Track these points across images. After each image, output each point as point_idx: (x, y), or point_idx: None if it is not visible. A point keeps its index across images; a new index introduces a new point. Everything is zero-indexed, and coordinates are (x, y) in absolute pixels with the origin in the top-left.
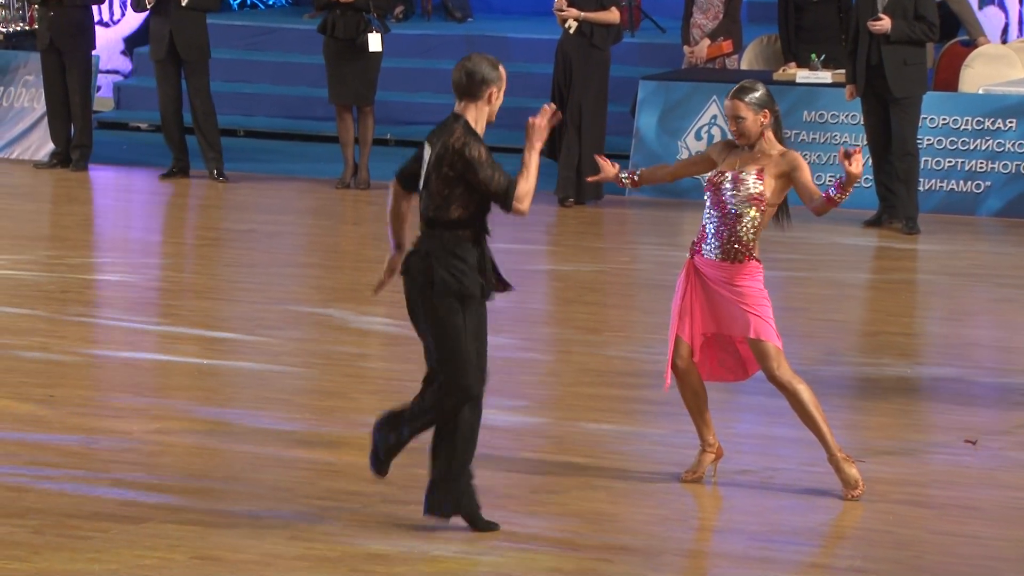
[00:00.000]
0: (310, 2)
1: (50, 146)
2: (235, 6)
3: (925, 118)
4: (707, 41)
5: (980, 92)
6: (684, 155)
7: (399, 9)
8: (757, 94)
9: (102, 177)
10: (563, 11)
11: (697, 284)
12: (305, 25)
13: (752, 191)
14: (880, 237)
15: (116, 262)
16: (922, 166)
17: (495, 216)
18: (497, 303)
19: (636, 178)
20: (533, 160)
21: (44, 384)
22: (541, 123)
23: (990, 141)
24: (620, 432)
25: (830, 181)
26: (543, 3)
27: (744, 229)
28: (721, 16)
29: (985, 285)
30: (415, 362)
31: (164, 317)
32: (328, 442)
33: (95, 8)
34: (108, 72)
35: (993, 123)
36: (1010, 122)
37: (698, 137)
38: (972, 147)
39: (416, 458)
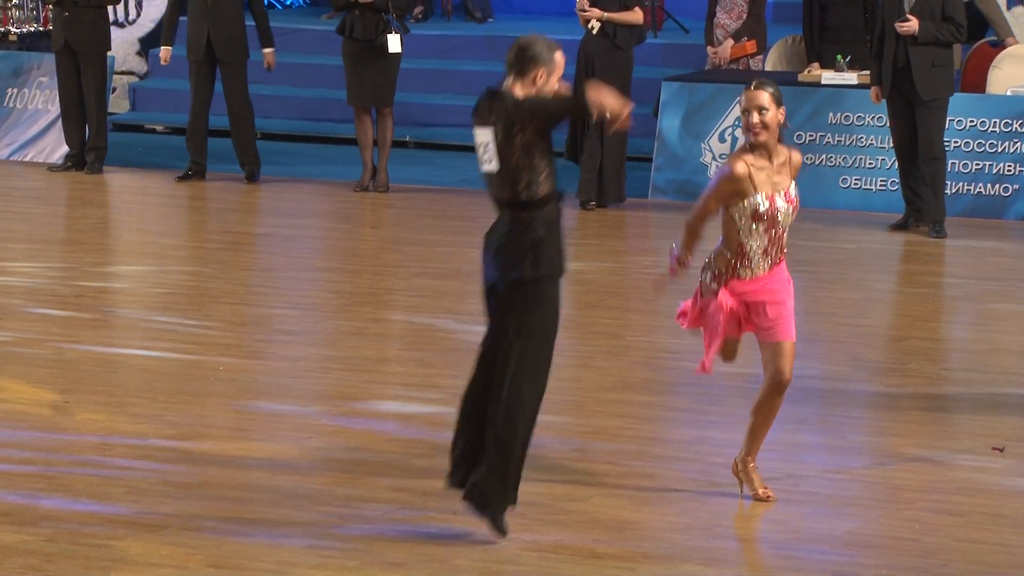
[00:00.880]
0: (328, 3)
1: (64, 148)
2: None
3: (952, 120)
4: (731, 41)
5: (1008, 94)
6: (707, 157)
7: (418, 9)
8: (776, 89)
9: (117, 180)
10: (586, 11)
11: (737, 306)
12: (323, 26)
13: (797, 203)
14: (907, 241)
15: (131, 265)
16: (949, 169)
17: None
18: None
19: (685, 260)
20: (583, 100)
21: (59, 389)
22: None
23: (1018, 144)
24: (643, 439)
25: (856, 184)
26: (565, 3)
27: (787, 236)
28: (745, 16)
29: (1013, 290)
30: (435, 366)
31: (180, 321)
32: (347, 448)
33: (110, 8)
34: (123, 73)
35: (1021, 125)
36: None
37: (722, 139)
38: (1000, 150)
39: (438, 463)
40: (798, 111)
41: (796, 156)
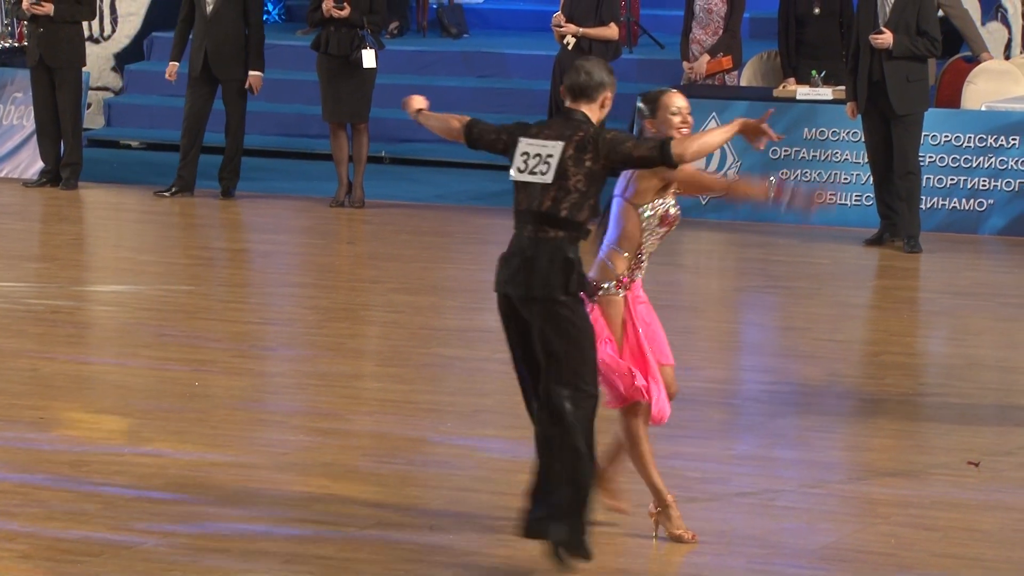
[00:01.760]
0: (303, 18)
1: (39, 164)
2: None
3: (927, 135)
4: (706, 57)
5: (983, 109)
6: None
7: (394, 25)
8: None
9: (92, 195)
10: (561, 27)
11: (638, 314)
12: (299, 42)
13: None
14: (882, 256)
15: (107, 282)
16: (924, 184)
17: (487, 234)
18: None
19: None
20: (719, 134)
21: (34, 406)
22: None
23: (993, 159)
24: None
25: (830, 199)
26: (540, 19)
27: None
28: (721, 32)
29: (988, 304)
30: (410, 382)
31: (156, 337)
32: (323, 464)
33: (85, 25)
34: (98, 89)
35: (996, 140)
36: (1013, 139)
37: None
38: (975, 165)
39: (413, 478)
40: (773, 126)
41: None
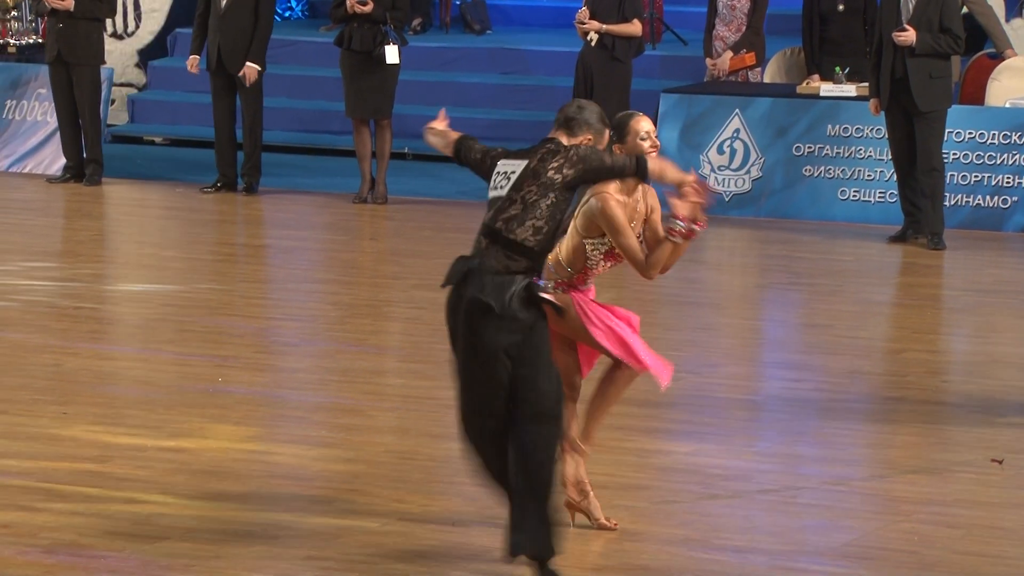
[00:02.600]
0: (326, 15)
1: (63, 160)
2: None
3: (951, 132)
4: (730, 53)
5: (1007, 105)
6: (705, 168)
7: (417, 21)
8: None
9: (116, 191)
10: (585, 24)
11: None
12: (322, 38)
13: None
14: (905, 253)
15: (130, 277)
16: (948, 181)
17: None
18: None
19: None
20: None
21: (57, 401)
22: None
23: (1017, 155)
24: (641, 451)
25: (854, 196)
26: (563, 15)
27: None
28: (744, 28)
29: (1011, 302)
30: (433, 378)
31: (178, 333)
32: (345, 460)
33: (109, 21)
34: (122, 85)
35: (1020, 137)
36: None
37: (720, 151)
38: (999, 161)
39: (435, 474)
40: (796, 123)
41: (652, 197)
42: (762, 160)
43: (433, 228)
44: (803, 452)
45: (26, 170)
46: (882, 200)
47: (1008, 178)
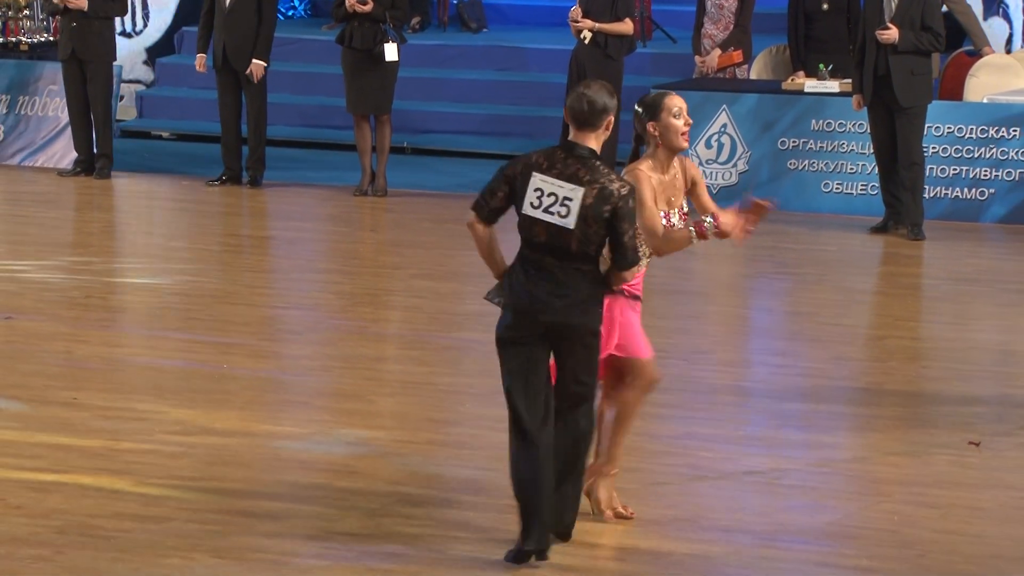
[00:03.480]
0: (328, 13)
1: (74, 154)
2: None
3: (931, 127)
4: (718, 51)
5: (985, 101)
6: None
7: (416, 20)
8: None
9: (125, 184)
10: (578, 22)
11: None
12: (324, 36)
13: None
14: (887, 243)
15: (139, 268)
16: (927, 174)
17: (507, 222)
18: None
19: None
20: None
21: (68, 387)
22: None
23: (994, 149)
24: (632, 434)
25: (837, 189)
26: (557, 14)
27: None
28: (732, 27)
29: (989, 290)
30: (431, 364)
31: (185, 321)
32: (346, 443)
33: (118, 19)
34: (131, 81)
35: (997, 132)
36: (1014, 130)
37: (708, 145)
38: (976, 155)
39: (434, 458)
40: (782, 118)
41: (692, 168)
42: (748, 154)
43: (432, 220)
44: (788, 435)
45: (38, 164)
46: (864, 192)
47: (986, 171)
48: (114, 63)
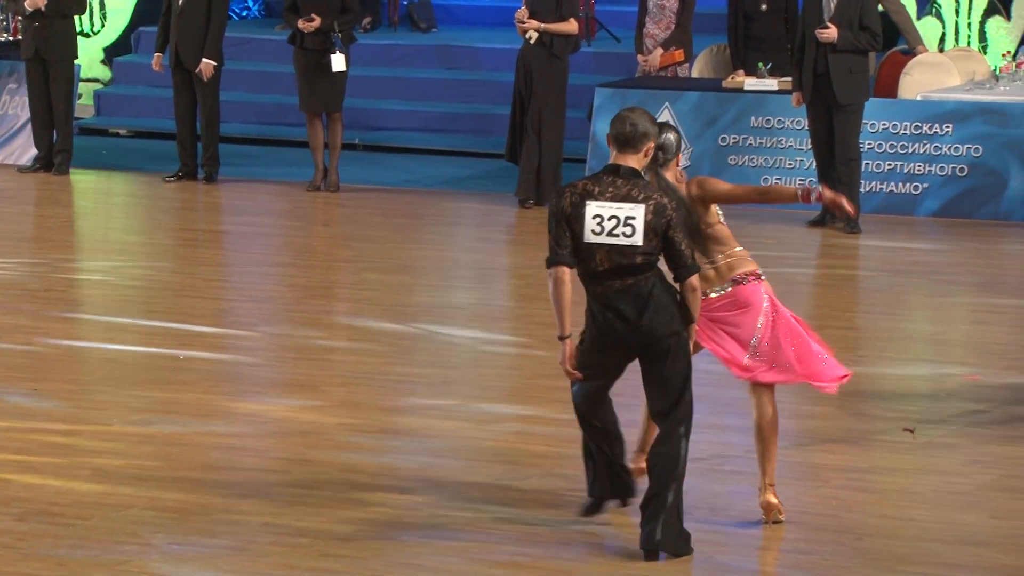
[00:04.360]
0: (282, 14)
1: (33, 151)
2: None
3: (866, 123)
4: (660, 50)
5: (918, 99)
6: None
7: (367, 20)
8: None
9: (83, 181)
10: (524, 23)
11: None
12: (277, 36)
13: None
14: (824, 236)
15: (97, 261)
16: (863, 169)
17: (456, 216)
18: (459, 299)
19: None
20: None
21: (28, 378)
22: None
23: (928, 145)
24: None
25: (776, 183)
26: (505, 14)
27: None
28: (673, 26)
29: (923, 282)
30: (383, 355)
31: (143, 313)
32: (300, 432)
33: (77, 20)
34: (89, 80)
35: (931, 128)
36: (947, 127)
37: None
38: (911, 151)
39: (385, 446)
40: (723, 115)
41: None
42: (690, 150)
43: (383, 214)
44: (730, 423)
45: None
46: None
47: (919, 166)
48: (75, 62)
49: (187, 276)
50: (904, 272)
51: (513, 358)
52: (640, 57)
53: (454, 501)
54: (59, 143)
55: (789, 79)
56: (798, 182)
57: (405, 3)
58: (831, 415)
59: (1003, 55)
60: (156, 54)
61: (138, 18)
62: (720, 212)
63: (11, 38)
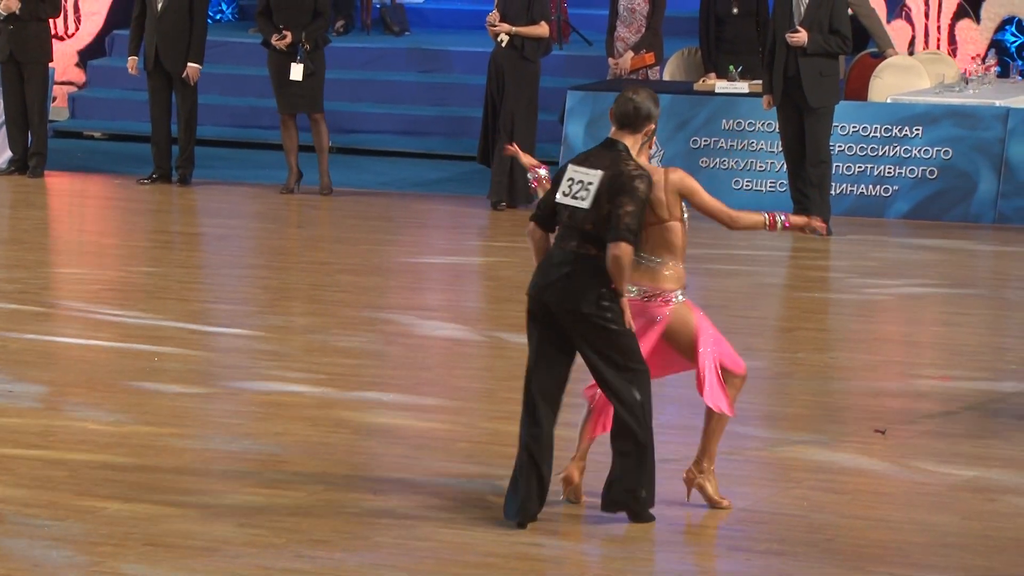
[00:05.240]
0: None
1: (8, 153)
2: None
3: (837, 126)
4: (631, 53)
5: (888, 101)
6: None
7: (340, 23)
8: None
9: (58, 183)
10: (496, 26)
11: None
12: (251, 39)
13: None
14: (795, 239)
15: (72, 263)
16: (834, 171)
17: (429, 219)
18: (432, 301)
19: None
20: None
21: (2, 379)
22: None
23: (897, 148)
24: None
25: (747, 186)
26: (477, 18)
27: None
28: (644, 30)
29: (893, 283)
30: (356, 356)
31: (118, 315)
32: (274, 433)
33: (51, 22)
34: (63, 83)
35: (901, 131)
36: (916, 129)
37: None
38: (881, 153)
39: (359, 447)
40: (694, 118)
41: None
42: (662, 152)
43: (356, 217)
44: (701, 424)
45: None
46: (773, 190)
47: (889, 168)
48: (49, 65)
49: (161, 278)
50: (874, 273)
51: (486, 359)
52: (611, 60)
53: (427, 499)
54: (34, 146)
55: (760, 82)
56: (766, 214)
57: (378, 6)
58: (802, 416)
59: (972, 58)
60: (131, 57)
61: (112, 22)
62: (687, 212)
63: None
